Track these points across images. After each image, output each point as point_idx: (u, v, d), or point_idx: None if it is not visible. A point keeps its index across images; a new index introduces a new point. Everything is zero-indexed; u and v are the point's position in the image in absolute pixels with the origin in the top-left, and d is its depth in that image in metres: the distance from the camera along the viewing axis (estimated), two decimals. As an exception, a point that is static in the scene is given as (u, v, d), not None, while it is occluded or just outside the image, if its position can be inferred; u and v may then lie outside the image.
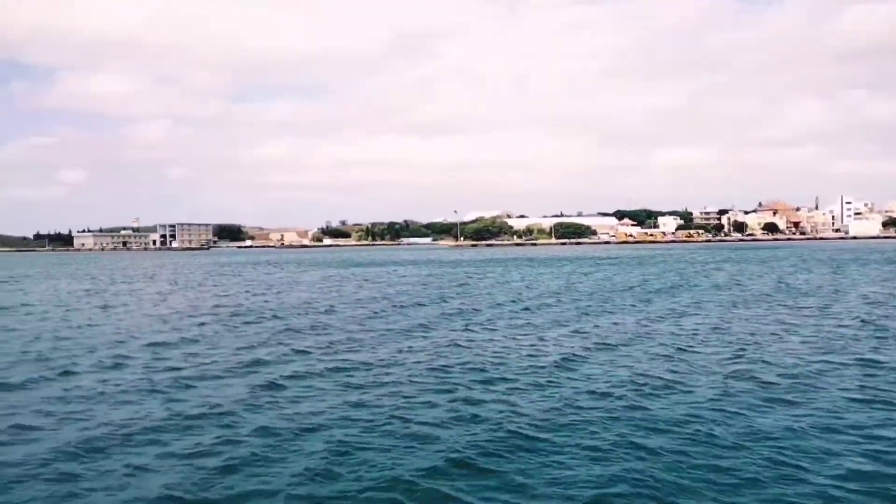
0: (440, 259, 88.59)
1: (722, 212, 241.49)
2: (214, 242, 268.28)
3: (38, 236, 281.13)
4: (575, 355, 14.81)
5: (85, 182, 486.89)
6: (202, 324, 21.67)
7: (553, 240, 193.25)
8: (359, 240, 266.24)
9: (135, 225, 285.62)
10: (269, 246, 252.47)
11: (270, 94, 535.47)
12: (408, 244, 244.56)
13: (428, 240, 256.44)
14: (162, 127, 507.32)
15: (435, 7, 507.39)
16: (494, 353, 15.45)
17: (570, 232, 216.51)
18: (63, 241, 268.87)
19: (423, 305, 26.88)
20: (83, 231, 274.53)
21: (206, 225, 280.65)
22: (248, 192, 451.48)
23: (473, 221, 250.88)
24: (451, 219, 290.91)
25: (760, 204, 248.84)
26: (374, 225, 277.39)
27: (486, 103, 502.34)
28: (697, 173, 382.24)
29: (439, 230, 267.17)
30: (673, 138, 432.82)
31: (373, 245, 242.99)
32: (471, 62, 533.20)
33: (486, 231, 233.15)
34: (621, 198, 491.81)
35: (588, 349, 15.69)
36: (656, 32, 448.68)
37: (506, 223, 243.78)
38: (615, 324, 20.33)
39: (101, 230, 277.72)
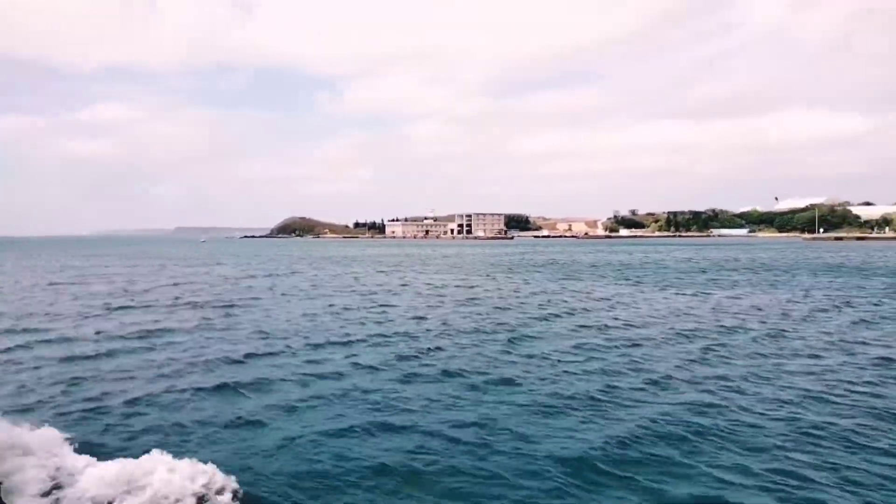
0: None
1: None
2: (506, 232, 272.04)
3: (357, 224, 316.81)
4: None
5: (374, 177, 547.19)
6: None
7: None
8: (658, 230, 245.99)
9: (432, 215, 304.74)
10: (564, 236, 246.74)
11: (535, 87, 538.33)
12: (719, 236, 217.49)
13: (743, 231, 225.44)
14: (435, 125, 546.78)
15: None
16: None
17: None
18: (377, 229, 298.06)
19: None
20: (393, 220, 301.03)
21: (499, 215, 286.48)
22: (524, 183, 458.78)
23: (804, 210, 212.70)
24: (765, 207, 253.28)
25: None
26: (674, 214, 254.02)
27: (787, 78, 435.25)
28: None
29: (756, 220, 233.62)
30: None
31: (678, 236, 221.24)
32: (774, 30, 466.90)
33: (822, 221, 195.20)
34: None
35: None
36: None
37: (850, 212, 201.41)
38: None
39: (406, 219, 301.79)
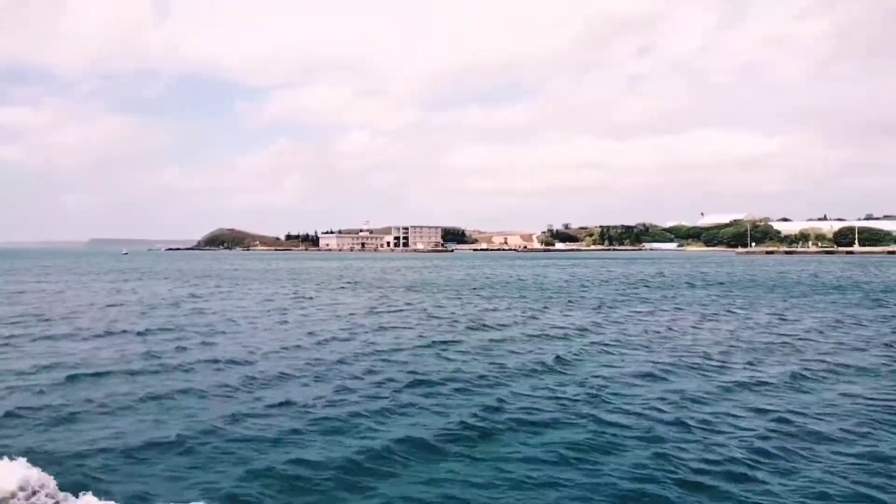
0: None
1: None
2: (444, 245, 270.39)
3: (289, 237, 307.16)
4: None
5: (305, 189, 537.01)
6: None
7: (857, 248, 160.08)
8: (592, 243, 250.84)
9: (366, 228, 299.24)
10: (502, 249, 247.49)
11: (464, 100, 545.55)
12: (651, 249, 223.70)
13: (672, 245, 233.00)
14: (366, 137, 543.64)
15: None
16: None
17: (865, 239, 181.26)
18: (311, 241, 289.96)
19: None
20: (327, 232, 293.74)
21: (436, 227, 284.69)
22: (458, 197, 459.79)
23: (728, 225, 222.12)
24: (691, 221, 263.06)
25: None
26: (607, 228, 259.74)
27: (705, 98, 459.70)
28: None
29: (684, 234, 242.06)
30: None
31: (612, 249, 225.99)
32: (689, 55, 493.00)
33: (745, 236, 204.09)
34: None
35: None
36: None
37: (771, 227, 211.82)
38: None
39: (340, 232, 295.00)
